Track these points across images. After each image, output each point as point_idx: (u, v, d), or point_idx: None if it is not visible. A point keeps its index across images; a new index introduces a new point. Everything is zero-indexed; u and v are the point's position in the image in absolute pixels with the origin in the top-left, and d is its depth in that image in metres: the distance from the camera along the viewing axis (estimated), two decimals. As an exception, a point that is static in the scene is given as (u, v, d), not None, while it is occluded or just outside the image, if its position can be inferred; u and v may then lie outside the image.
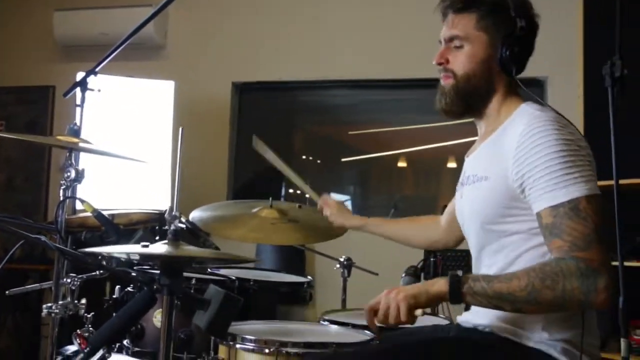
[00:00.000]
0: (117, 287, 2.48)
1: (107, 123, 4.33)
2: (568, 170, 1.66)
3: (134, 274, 1.92)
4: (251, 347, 1.89)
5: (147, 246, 1.66)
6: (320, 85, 5.38)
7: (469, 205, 1.95)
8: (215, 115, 5.26)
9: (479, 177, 1.89)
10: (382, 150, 5.45)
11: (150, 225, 2.87)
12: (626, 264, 3.45)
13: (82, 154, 2.40)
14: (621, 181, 2.40)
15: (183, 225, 1.85)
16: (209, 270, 2.80)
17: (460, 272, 1.72)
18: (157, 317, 2.43)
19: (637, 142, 3.09)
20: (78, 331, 2.18)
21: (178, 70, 5.21)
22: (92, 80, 2.58)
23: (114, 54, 2.58)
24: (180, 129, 1.91)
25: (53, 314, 2.20)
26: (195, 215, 2.79)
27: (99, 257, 1.80)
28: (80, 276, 2.30)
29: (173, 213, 1.77)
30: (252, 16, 5.36)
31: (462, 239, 2.36)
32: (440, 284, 1.71)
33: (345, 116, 5.56)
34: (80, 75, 2.57)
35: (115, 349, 2.30)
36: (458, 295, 1.68)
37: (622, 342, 2.40)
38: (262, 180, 5.47)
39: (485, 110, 1.96)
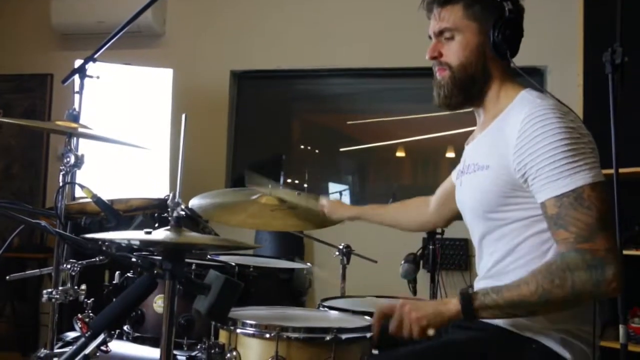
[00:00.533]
0: (117, 272, 2.48)
1: (105, 111, 4.32)
2: (571, 159, 1.66)
3: (134, 259, 1.91)
4: (252, 332, 1.88)
5: (150, 233, 1.66)
6: (318, 73, 5.38)
7: (469, 194, 1.95)
8: (213, 104, 5.26)
9: (479, 166, 1.88)
10: (381, 140, 5.45)
11: (149, 212, 2.86)
12: (624, 252, 3.47)
13: (80, 141, 2.39)
14: (620, 170, 2.41)
15: (182, 212, 1.84)
16: (208, 256, 2.80)
17: (470, 290, 1.72)
18: (157, 303, 2.43)
19: (637, 131, 3.09)
20: (79, 315, 2.18)
21: (176, 58, 5.21)
22: (90, 67, 2.57)
23: (112, 41, 2.57)
24: (183, 115, 1.90)
25: (53, 299, 2.20)
26: (194, 202, 2.79)
27: (100, 243, 1.80)
28: (80, 262, 2.30)
29: (176, 200, 1.76)
30: (251, 4, 5.35)
31: (451, 220, 2.41)
32: (452, 305, 1.71)
33: (343, 105, 5.57)
34: (78, 63, 2.56)
35: (115, 335, 2.29)
36: (471, 312, 1.69)
37: (621, 328, 2.42)
38: (261, 169, 5.48)
39: (484, 98, 1.96)
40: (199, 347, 2.02)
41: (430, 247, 3.16)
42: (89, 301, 2.28)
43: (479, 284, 1.97)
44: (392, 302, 1.79)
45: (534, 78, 2.00)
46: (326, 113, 5.77)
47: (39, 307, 5.25)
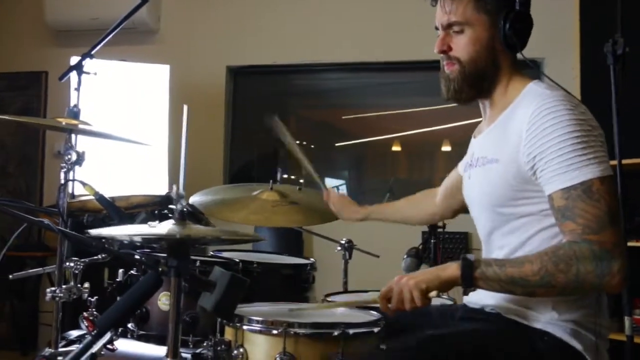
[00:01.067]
0: (121, 270, 2.46)
1: (102, 108, 4.29)
2: (581, 152, 1.64)
3: (138, 256, 1.89)
4: (258, 329, 1.86)
5: (154, 226, 1.64)
6: (314, 68, 5.38)
7: (478, 188, 1.93)
8: (210, 99, 5.24)
9: (489, 159, 1.87)
10: (377, 135, 5.45)
11: (150, 209, 2.85)
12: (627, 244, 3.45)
13: (79, 138, 2.37)
14: (623, 161, 2.40)
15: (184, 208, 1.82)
16: (211, 253, 2.79)
17: (471, 257, 1.70)
18: (162, 300, 2.41)
19: (637, 122, 3.08)
20: (85, 314, 2.16)
21: (172, 54, 5.18)
22: (87, 64, 2.55)
23: (109, 37, 2.55)
24: (185, 107, 1.89)
25: (57, 298, 2.17)
26: (194, 199, 2.79)
27: (103, 240, 1.78)
28: (83, 260, 2.28)
29: (179, 192, 1.74)
30: (246, -1, 5.34)
31: (458, 211, 2.41)
32: (452, 269, 1.70)
33: (338, 100, 5.56)
34: (74, 60, 2.54)
35: (119, 333, 2.27)
36: (470, 280, 1.68)
37: (626, 320, 2.41)
38: (258, 164, 5.47)
39: (492, 91, 1.94)
40: (205, 344, 2.00)
41: (432, 240, 3.17)
42: (92, 299, 2.25)
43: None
44: (387, 284, 1.79)
45: (530, 70, 1.99)
46: (321, 108, 5.76)
47: (38, 306, 5.22)
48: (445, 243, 4.50)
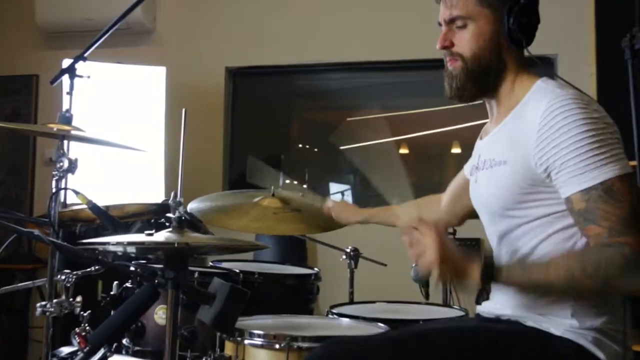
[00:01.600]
0: (115, 282, 2.45)
1: (95, 112, 4.28)
2: (597, 151, 1.64)
3: (133, 268, 1.89)
4: (260, 343, 1.86)
5: (151, 234, 1.63)
6: (317, 69, 5.36)
7: (486, 191, 1.93)
8: (209, 102, 5.23)
9: (496, 162, 1.86)
10: (383, 137, 5.42)
11: (146, 217, 2.85)
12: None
13: (71, 144, 2.37)
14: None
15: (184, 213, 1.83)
16: (210, 263, 2.78)
17: (492, 256, 1.69)
18: (158, 314, 2.40)
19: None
20: (77, 329, 2.16)
21: (169, 56, 5.17)
22: (80, 67, 2.55)
23: (102, 39, 2.56)
24: (183, 110, 1.88)
25: (48, 313, 2.17)
26: (192, 206, 2.77)
27: (96, 251, 1.77)
28: (75, 272, 2.27)
29: (177, 199, 1.74)
30: (246, -3, 5.33)
31: (465, 217, 2.37)
32: (472, 271, 1.66)
33: (344, 101, 5.55)
34: (66, 62, 2.54)
35: (114, 349, 2.27)
36: (490, 283, 1.67)
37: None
38: (260, 169, 5.45)
39: (498, 89, 1.93)
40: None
41: (442, 248, 3.15)
42: (85, 314, 2.25)
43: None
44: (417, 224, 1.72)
45: (543, 68, 1.99)
46: (325, 110, 5.75)
47: (28, 321, 5.20)
48: (457, 250, 4.50)
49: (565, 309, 1.75)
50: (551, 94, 1.74)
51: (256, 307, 2.46)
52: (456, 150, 5.28)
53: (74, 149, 2.34)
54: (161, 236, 1.66)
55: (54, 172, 2.21)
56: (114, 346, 2.24)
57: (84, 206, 2.19)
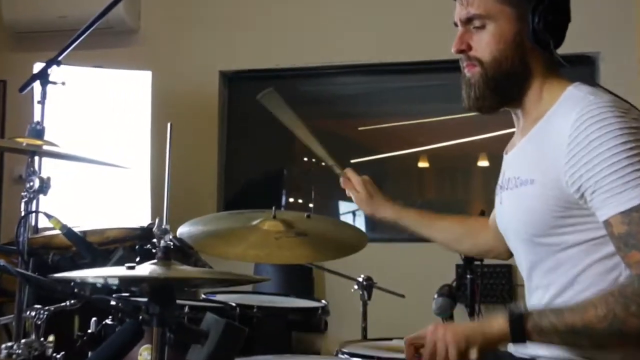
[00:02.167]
0: (93, 319, 2.44)
1: (71, 124, 4.30)
2: (638, 165, 1.63)
3: (114, 302, 1.88)
4: (260, 389, 1.85)
5: (133, 267, 1.62)
6: (323, 72, 5.39)
7: (512, 215, 1.93)
8: (200, 111, 5.25)
9: (522, 180, 1.86)
10: (399, 149, 5.44)
11: (129, 244, 2.84)
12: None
13: (43, 161, 2.38)
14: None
15: (171, 242, 1.81)
16: (203, 296, 2.77)
17: (520, 307, 1.70)
18: (143, 355, 2.38)
19: None
20: (48, 376, 2.15)
21: (155, 59, 5.19)
22: (54, 72, 2.56)
23: (78, 40, 2.57)
24: (169, 124, 1.88)
25: (15, 356, 2.16)
26: (182, 231, 2.76)
27: (72, 283, 1.77)
28: (47, 308, 2.26)
29: (163, 226, 1.73)
30: (242, -8, 5.36)
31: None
32: (498, 324, 1.69)
33: (354, 109, 5.58)
34: (38, 67, 2.55)
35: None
36: (522, 335, 1.66)
37: None
38: (258, 187, 5.46)
39: (523, 98, 1.93)
40: (195, 408, 1.98)
41: (468, 276, 3.13)
42: (58, 356, 2.24)
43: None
44: (420, 331, 1.77)
45: (583, 68, 1.98)
46: (334, 118, 5.76)
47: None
48: (485, 278, 4.48)
49: (613, 352, 1.73)
50: (583, 101, 1.74)
51: (255, 346, 2.45)
52: (483, 163, 5.29)
53: (47, 166, 2.34)
54: (144, 269, 1.65)
55: (23, 193, 2.20)
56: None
57: (58, 231, 2.18)
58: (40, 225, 2.77)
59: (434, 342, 1.71)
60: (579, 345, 1.68)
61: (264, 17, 5.28)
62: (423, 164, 5.44)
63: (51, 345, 2.25)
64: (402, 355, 2.14)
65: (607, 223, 1.67)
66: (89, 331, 2.45)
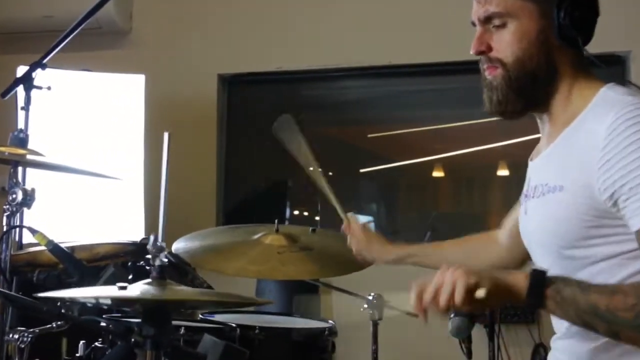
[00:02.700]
0: (82, 342, 2.44)
1: (57, 131, 4.30)
2: None
3: (104, 323, 1.88)
4: (262, 417, 1.85)
5: (125, 287, 1.62)
6: (329, 75, 5.38)
7: (538, 225, 1.92)
8: (198, 117, 5.25)
9: (550, 187, 1.84)
10: (412, 157, 5.44)
11: (121, 260, 2.85)
12: None
13: (28, 171, 2.38)
14: None
15: (166, 260, 1.81)
16: (200, 316, 2.77)
17: (546, 269, 1.68)
18: (136, 380, 2.39)
19: None
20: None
21: (148, 61, 5.20)
22: (38, 76, 2.56)
23: (65, 42, 2.58)
24: (166, 134, 1.87)
25: (-4, 383, 2.16)
26: (178, 246, 2.77)
27: (59, 304, 1.77)
28: (31, 330, 2.26)
29: (158, 243, 1.73)
30: (242, -9, 5.37)
31: (526, 259, 2.32)
32: (516, 276, 1.68)
33: (363, 114, 5.58)
34: (22, 70, 2.55)
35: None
36: (538, 295, 1.64)
37: None
38: (260, 199, 5.46)
39: (550, 101, 1.92)
40: None
41: (487, 292, 3.13)
42: (44, 382, 2.24)
43: (556, 345, 1.94)
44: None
45: (613, 68, 1.97)
46: (340, 125, 5.77)
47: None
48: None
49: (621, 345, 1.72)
50: (619, 103, 1.73)
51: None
52: (503, 172, 5.29)
53: (31, 178, 2.34)
54: (137, 290, 1.65)
55: (5, 206, 2.20)
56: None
57: (43, 248, 2.18)
58: (24, 241, 2.77)
59: (441, 281, 1.68)
60: (593, 327, 1.65)
61: (265, 16, 5.29)
62: (438, 174, 5.43)
63: (36, 371, 2.25)
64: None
65: (638, 234, 1.66)
66: (77, 355, 2.46)
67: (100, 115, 4.59)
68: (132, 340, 1.63)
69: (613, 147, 1.67)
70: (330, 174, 5.57)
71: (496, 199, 5.40)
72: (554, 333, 1.96)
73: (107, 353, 2.20)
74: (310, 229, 2.88)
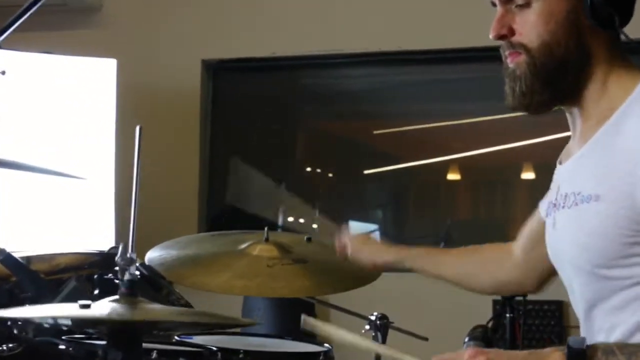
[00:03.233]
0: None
1: (15, 123, 4.29)
2: None
3: (63, 346, 1.87)
4: None
5: (88, 306, 1.60)
6: (331, 61, 5.40)
7: (569, 240, 1.89)
8: (178, 108, 5.26)
9: (584, 197, 1.81)
10: (424, 157, 5.44)
11: (85, 273, 2.83)
12: None
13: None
14: None
15: (137, 273, 1.80)
16: (176, 338, 2.75)
17: (581, 340, 1.65)
18: (100, 412, 2.38)
19: None
20: None
21: (121, 44, 5.21)
22: (-9, 58, 2.55)
23: (22, 19, 2.55)
24: (137, 127, 1.85)
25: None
26: (152, 255, 2.75)
27: (9, 323, 1.75)
28: (-20, 353, 2.25)
29: (128, 255, 1.71)
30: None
31: (548, 279, 2.30)
32: (553, 358, 1.65)
33: (368, 107, 5.59)
34: (-28, 52, 2.54)
35: None
36: None
37: None
38: (249, 202, 5.44)
39: (582, 92, 1.89)
40: None
41: (507, 315, 3.12)
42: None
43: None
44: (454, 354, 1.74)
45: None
46: (343, 119, 5.78)
47: None
48: (529, 318, 4.46)
49: None
50: None
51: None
52: (528, 175, 5.31)
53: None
54: (103, 308, 1.64)
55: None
56: None
57: (-6, 258, 2.17)
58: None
59: None
60: None
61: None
62: (453, 176, 5.46)
63: (-15, 401, 2.23)
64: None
65: None
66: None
67: (65, 106, 4.59)
68: (95, 366, 1.62)
69: None
70: (330, 175, 5.61)
71: (520, 206, 5.40)
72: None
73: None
74: (306, 237, 2.86)
